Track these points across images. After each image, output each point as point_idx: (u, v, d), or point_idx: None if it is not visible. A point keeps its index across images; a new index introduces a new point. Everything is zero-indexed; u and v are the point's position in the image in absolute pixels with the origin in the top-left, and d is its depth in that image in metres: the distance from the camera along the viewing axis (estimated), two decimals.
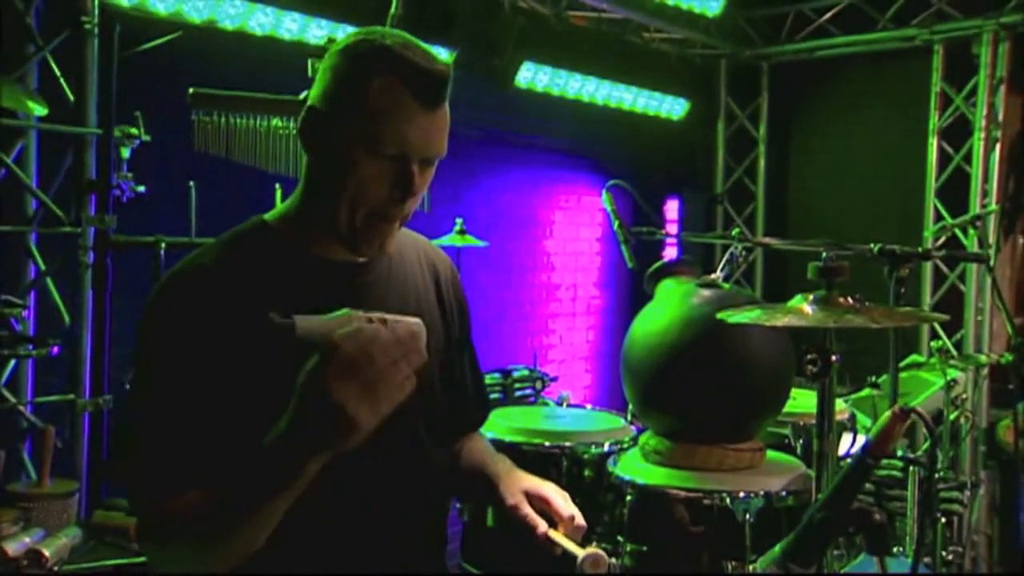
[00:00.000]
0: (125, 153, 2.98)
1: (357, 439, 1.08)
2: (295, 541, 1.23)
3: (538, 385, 3.78)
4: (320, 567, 1.29)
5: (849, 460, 1.33)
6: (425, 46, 1.31)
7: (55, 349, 2.90)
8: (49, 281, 3.09)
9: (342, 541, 1.31)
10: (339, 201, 1.28)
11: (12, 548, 2.40)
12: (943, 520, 2.82)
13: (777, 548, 1.33)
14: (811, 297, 1.68)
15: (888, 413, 1.29)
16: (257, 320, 1.23)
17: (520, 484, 1.50)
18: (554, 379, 3.90)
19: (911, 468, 2.66)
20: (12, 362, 3.00)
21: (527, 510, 1.46)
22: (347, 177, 1.27)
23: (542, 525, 1.45)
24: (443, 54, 4.14)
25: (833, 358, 1.63)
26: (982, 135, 4.86)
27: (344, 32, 3.74)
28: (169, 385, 1.23)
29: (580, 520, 1.46)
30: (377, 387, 1.08)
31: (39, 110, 2.86)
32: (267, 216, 1.38)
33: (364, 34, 1.31)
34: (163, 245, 2.86)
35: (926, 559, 2.74)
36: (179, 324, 1.25)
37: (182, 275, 1.30)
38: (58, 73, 3.07)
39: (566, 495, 1.50)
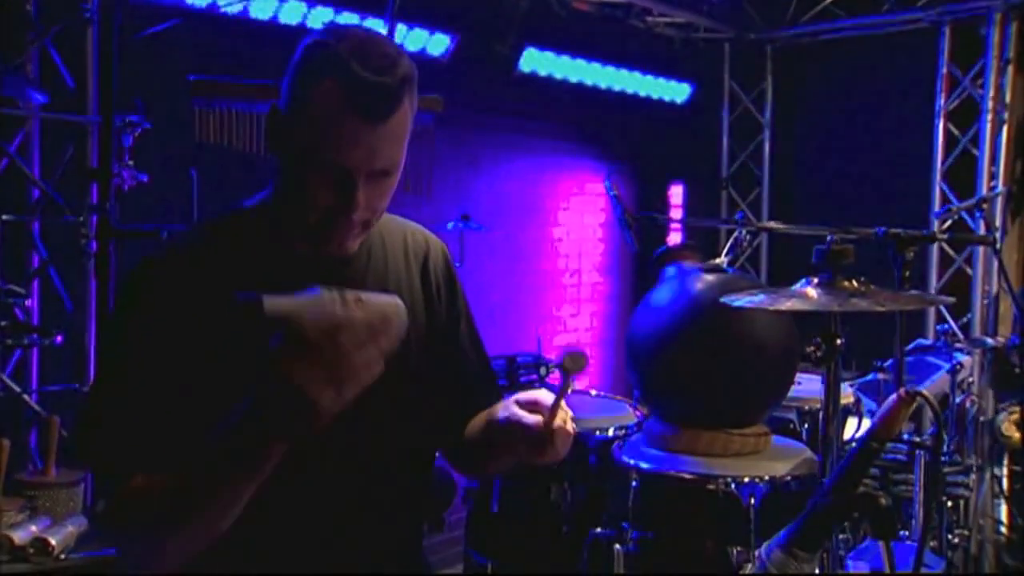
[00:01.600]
0: (127, 141, 2.97)
1: (320, 424, 1.04)
2: (259, 532, 1.20)
3: (542, 371, 3.78)
4: (283, 560, 1.27)
5: (854, 444, 1.31)
6: (388, 48, 1.23)
7: (59, 338, 2.90)
8: (52, 270, 3.10)
9: (306, 534, 1.28)
10: (293, 201, 1.26)
11: (18, 536, 2.41)
12: (949, 503, 2.82)
13: (781, 533, 1.32)
14: (816, 280, 1.67)
15: (893, 396, 1.28)
16: (226, 305, 1.21)
17: (510, 400, 1.36)
18: (559, 365, 3.89)
19: (916, 452, 2.65)
20: (16, 351, 3.01)
21: (517, 412, 1.31)
22: (296, 179, 1.24)
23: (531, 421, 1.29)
24: (445, 40, 4.12)
25: (838, 342, 1.62)
26: (990, 117, 4.82)
27: (346, 19, 3.72)
28: (134, 363, 1.22)
29: (570, 425, 1.31)
30: (340, 371, 1.03)
31: (40, 99, 2.85)
32: (247, 203, 1.36)
33: (325, 33, 1.25)
34: (165, 233, 2.85)
35: (932, 543, 2.73)
36: (148, 305, 1.24)
37: (154, 259, 1.30)
38: (58, 61, 3.06)
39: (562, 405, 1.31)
